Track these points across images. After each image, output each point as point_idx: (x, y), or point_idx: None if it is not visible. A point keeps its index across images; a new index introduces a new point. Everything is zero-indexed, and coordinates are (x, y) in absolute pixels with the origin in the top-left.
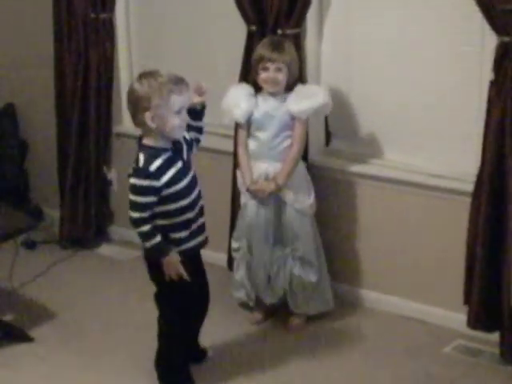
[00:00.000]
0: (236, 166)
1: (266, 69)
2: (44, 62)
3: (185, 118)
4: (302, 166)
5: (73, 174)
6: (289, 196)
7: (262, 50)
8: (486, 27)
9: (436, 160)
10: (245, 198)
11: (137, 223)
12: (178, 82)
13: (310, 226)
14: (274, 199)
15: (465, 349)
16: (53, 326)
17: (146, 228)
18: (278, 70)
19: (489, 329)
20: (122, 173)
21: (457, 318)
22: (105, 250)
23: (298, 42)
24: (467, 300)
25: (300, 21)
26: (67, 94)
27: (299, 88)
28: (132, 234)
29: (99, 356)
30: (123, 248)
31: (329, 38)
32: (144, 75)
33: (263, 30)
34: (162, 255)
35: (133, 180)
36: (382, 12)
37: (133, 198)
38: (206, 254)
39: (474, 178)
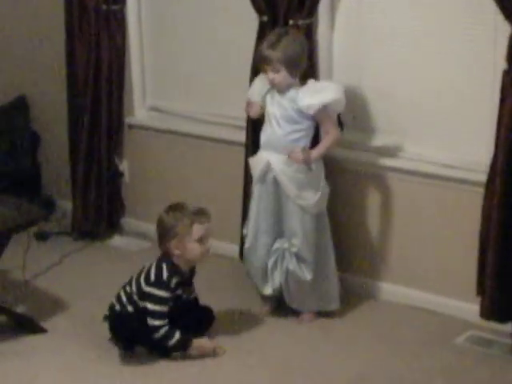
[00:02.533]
0: (248, 156)
1: (264, 70)
2: (55, 53)
3: (207, 246)
4: (318, 161)
5: (84, 165)
6: (292, 190)
7: (260, 47)
8: (499, 17)
9: (449, 150)
10: (253, 185)
11: (158, 330)
12: (200, 212)
13: (310, 223)
14: (276, 191)
15: (477, 339)
16: (65, 318)
17: (166, 331)
18: (275, 70)
19: (501, 319)
20: (133, 164)
21: (469, 308)
22: (116, 241)
23: (310, 32)
24: (480, 291)
25: (312, 11)
26: (79, 86)
27: (311, 83)
28: (144, 226)
29: (112, 347)
30: (135, 239)
31: (341, 28)
32: (171, 208)
33: (275, 21)
34: (187, 347)
35: (155, 291)
36: (394, 1)
37: (153, 307)
38: (218, 245)
39: (487, 168)
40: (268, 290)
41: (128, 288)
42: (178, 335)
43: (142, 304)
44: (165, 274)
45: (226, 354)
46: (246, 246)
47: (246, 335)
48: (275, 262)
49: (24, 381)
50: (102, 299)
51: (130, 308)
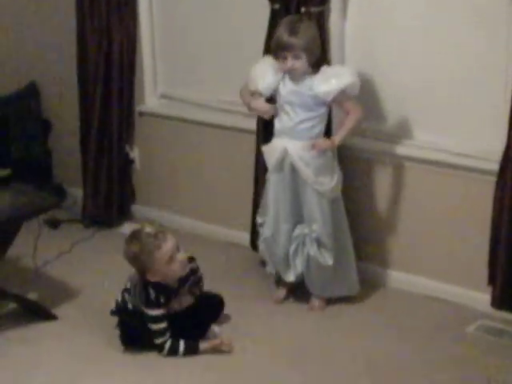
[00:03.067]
0: (259, 143)
1: (283, 57)
2: (67, 40)
3: (180, 258)
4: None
5: (95, 153)
6: (309, 176)
7: (279, 34)
8: None
9: (461, 139)
10: (268, 173)
11: (164, 346)
12: (156, 235)
13: (328, 208)
14: (293, 178)
15: (488, 329)
16: (75, 305)
17: (170, 345)
18: (296, 57)
19: None
20: (144, 152)
21: (480, 297)
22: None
23: (322, 20)
24: (491, 280)
25: None
26: (90, 73)
27: (324, 69)
28: (154, 213)
29: None
30: None
31: (353, 15)
32: (128, 241)
33: (287, 9)
34: (195, 351)
35: (148, 311)
36: None
37: (152, 326)
38: (229, 234)
39: (499, 157)
40: (290, 277)
41: (127, 294)
42: (182, 345)
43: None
44: (152, 295)
45: (236, 340)
46: (267, 234)
47: (256, 322)
48: (296, 249)
49: (33, 367)
50: (112, 286)
51: (132, 311)
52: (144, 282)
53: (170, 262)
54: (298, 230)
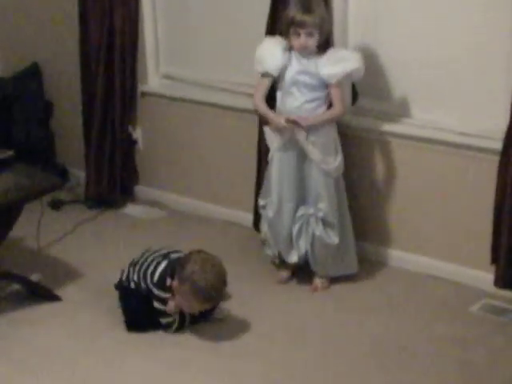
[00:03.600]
0: (262, 124)
1: (297, 34)
2: (69, 21)
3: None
4: (332, 127)
5: (98, 133)
6: (316, 155)
7: (292, 12)
8: None
9: (464, 118)
10: (271, 154)
11: (171, 325)
12: (207, 298)
13: (333, 187)
14: (298, 157)
15: (491, 308)
16: (79, 286)
17: (177, 326)
18: (309, 34)
19: None
20: (147, 132)
21: (484, 277)
22: (130, 209)
23: (326, 0)
24: (494, 259)
25: None
26: (92, 54)
27: (331, 52)
28: (157, 194)
29: None
30: (148, 208)
31: None
32: (203, 265)
33: None
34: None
35: (157, 291)
36: None
37: (159, 306)
38: (232, 214)
39: (502, 136)
40: (294, 258)
41: (135, 270)
42: (188, 319)
43: (146, 293)
44: (168, 281)
45: (237, 321)
46: (271, 215)
47: (259, 303)
48: (300, 229)
49: (37, 348)
50: (115, 267)
51: (136, 291)
52: (170, 264)
53: (198, 305)
54: (301, 211)
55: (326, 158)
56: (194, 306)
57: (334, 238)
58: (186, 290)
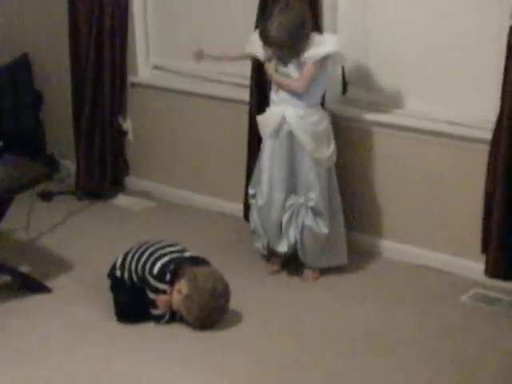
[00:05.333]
0: (252, 114)
1: (266, 48)
2: (58, 11)
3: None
4: (325, 117)
5: (88, 124)
6: (309, 143)
7: (263, 28)
8: None
9: (454, 108)
10: (263, 141)
11: (162, 318)
12: (205, 321)
13: (325, 177)
14: (290, 146)
15: (482, 297)
16: (69, 277)
17: (167, 319)
18: (275, 53)
19: (506, 277)
20: (137, 123)
21: (474, 266)
22: (120, 200)
23: None
24: (485, 249)
25: None
26: (81, 44)
27: (312, 36)
28: (148, 185)
29: None
30: (139, 199)
31: None
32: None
33: None
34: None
35: (155, 283)
36: None
37: (153, 296)
38: (223, 205)
39: (492, 126)
40: (283, 248)
41: (131, 260)
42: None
43: (139, 284)
44: (168, 276)
45: (228, 312)
46: (260, 203)
47: (250, 294)
48: (290, 218)
49: (28, 339)
50: (106, 258)
51: (128, 282)
52: (172, 261)
53: (181, 306)
54: (291, 200)
55: (318, 147)
56: (187, 317)
57: (323, 228)
58: (193, 312)
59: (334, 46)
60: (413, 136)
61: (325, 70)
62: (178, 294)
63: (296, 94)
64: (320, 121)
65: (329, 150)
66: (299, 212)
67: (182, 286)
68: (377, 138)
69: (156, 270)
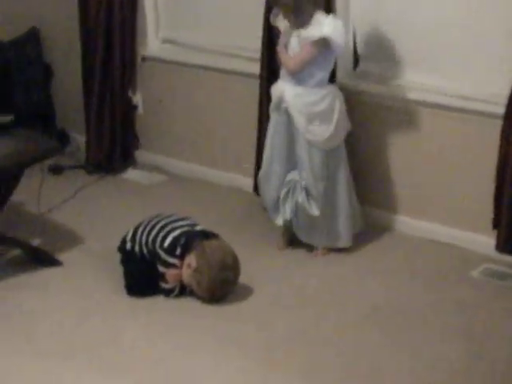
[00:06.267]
0: (262, 88)
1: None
2: None
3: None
4: (328, 98)
5: (98, 98)
6: (301, 124)
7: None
8: None
9: (467, 82)
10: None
11: (171, 292)
12: (214, 295)
13: (318, 158)
14: (288, 122)
15: (492, 272)
16: (80, 250)
17: (176, 294)
18: (285, 15)
19: None
20: (147, 97)
21: (486, 241)
22: (131, 174)
23: None
24: (496, 224)
25: None
26: (91, 18)
27: (318, 15)
28: (158, 159)
29: None
30: (149, 173)
31: None
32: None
33: None
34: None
35: (166, 257)
36: None
37: (163, 270)
38: (233, 179)
39: (505, 101)
40: (279, 221)
41: (141, 233)
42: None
43: (150, 258)
44: (178, 250)
45: (238, 286)
46: (260, 174)
47: (260, 268)
48: (287, 193)
49: (39, 312)
50: (116, 232)
51: (139, 255)
52: (183, 234)
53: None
54: (290, 176)
55: (311, 128)
56: (197, 291)
57: (315, 210)
58: (202, 284)
59: (329, 30)
60: (425, 110)
61: (327, 53)
62: (187, 268)
63: (289, 72)
64: (318, 102)
65: (326, 133)
66: (295, 189)
67: (192, 259)
68: (389, 113)
69: (167, 243)
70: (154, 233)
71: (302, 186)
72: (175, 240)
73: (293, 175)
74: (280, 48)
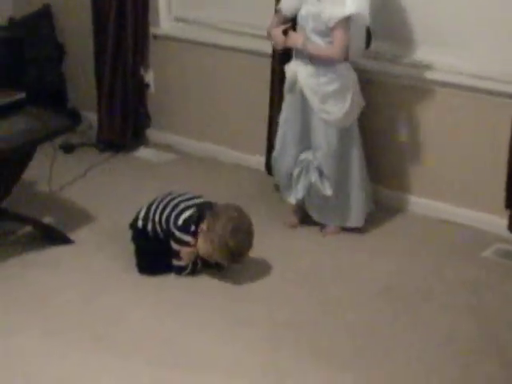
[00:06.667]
0: (274, 66)
1: None
2: None
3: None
4: (342, 77)
5: (110, 76)
6: (315, 103)
7: None
8: None
9: (481, 61)
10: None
11: (183, 270)
12: (230, 257)
13: (334, 138)
14: (302, 102)
15: (504, 252)
16: (91, 228)
17: (189, 271)
18: None
19: None
20: (159, 75)
21: (498, 222)
22: (142, 153)
23: None
24: (509, 204)
25: None
26: None
27: None
28: (169, 137)
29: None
30: (160, 151)
31: None
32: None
33: None
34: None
35: (180, 235)
36: None
37: (177, 247)
38: (244, 158)
39: None
40: (292, 200)
41: (154, 211)
42: (200, 264)
43: (163, 236)
44: (192, 227)
45: (252, 264)
46: (274, 154)
47: (271, 247)
48: (300, 173)
49: (50, 290)
50: (127, 210)
51: (151, 233)
52: (198, 210)
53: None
54: (303, 155)
55: (326, 107)
56: (213, 257)
57: (327, 189)
58: (215, 240)
59: (358, 6)
60: (438, 90)
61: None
62: (201, 237)
63: (335, 62)
64: (332, 80)
65: (341, 111)
66: (309, 168)
67: (204, 225)
68: (402, 92)
69: (181, 221)
70: (167, 211)
71: (314, 166)
72: (189, 218)
73: (306, 155)
74: (311, 47)
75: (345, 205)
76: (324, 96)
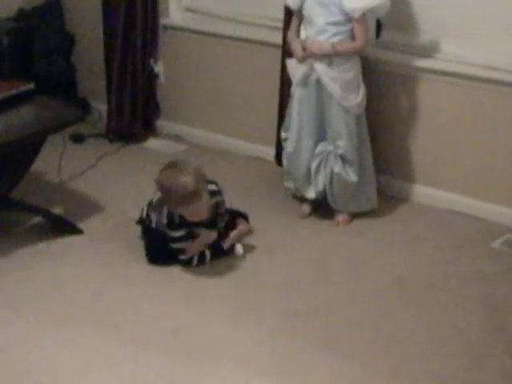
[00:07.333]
0: (285, 57)
1: None
2: None
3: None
4: (356, 63)
5: (120, 67)
6: (337, 91)
7: None
8: None
9: (489, 51)
10: (293, 88)
11: (191, 261)
12: (186, 198)
13: (354, 124)
14: (318, 93)
15: None
16: (100, 219)
17: (198, 257)
18: None
19: None
20: (169, 66)
21: (507, 212)
22: (152, 143)
23: None
24: None
25: None
26: None
27: None
28: (179, 128)
29: None
30: (170, 142)
31: None
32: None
33: None
34: (222, 251)
35: (169, 232)
36: None
37: (176, 245)
38: (254, 149)
39: None
40: (311, 194)
41: (152, 211)
42: (208, 254)
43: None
44: (176, 219)
45: (262, 254)
46: (289, 149)
47: (280, 237)
48: (318, 166)
49: (59, 280)
50: (136, 201)
51: (156, 229)
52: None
53: (184, 205)
54: (320, 147)
55: (346, 95)
56: (181, 210)
57: (352, 176)
58: (164, 198)
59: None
60: (447, 80)
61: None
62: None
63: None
64: (349, 68)
65: (358, 97)
66: (328, 159)
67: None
68: (410, 82)
69: (165, 219)
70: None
71: (337, 155)
72: (170, 212)
73: (323, 146)
74: (334, 48)
75: (364, 189)
76: (344, 83)
